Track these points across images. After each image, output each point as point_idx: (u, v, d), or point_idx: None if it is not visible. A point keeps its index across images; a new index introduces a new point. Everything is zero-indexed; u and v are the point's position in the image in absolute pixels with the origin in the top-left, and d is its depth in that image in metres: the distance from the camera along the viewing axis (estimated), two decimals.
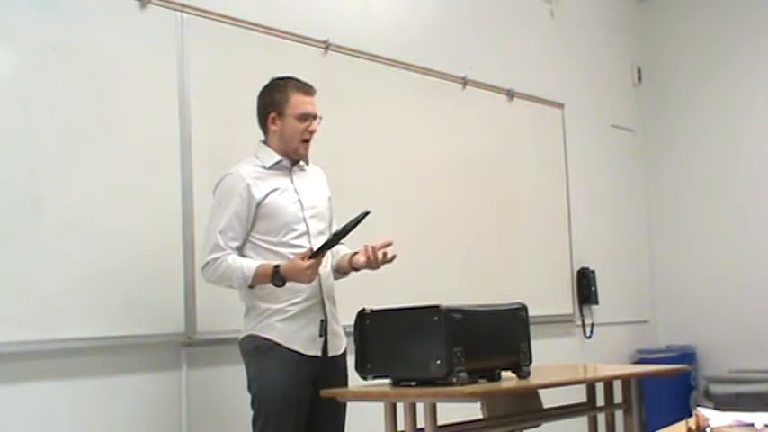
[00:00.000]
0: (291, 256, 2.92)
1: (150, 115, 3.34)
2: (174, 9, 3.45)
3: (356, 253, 3.09)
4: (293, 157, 3.07)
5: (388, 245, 3.02)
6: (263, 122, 3.07)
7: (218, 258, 2.91)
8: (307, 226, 3.02)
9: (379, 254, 3.01)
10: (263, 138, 3.10)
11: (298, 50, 3.90)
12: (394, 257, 3.03)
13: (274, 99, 3.04)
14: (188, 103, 3.44)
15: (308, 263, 2.84)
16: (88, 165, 3.14)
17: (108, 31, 3.26)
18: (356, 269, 3.11)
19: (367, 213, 2.85)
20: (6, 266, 2.89)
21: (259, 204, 2.96)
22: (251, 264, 2.91)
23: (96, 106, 3.18)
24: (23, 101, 3.01)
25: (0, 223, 2.89)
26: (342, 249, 3.15)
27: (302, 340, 2.95)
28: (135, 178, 3.26)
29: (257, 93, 3.09)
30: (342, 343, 3.10)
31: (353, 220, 2.84)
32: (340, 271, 3.17)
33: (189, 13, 3.49)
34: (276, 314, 2.94)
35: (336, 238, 2.88)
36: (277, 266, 2.87)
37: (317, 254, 2.86)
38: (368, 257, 3.02)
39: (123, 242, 3.19)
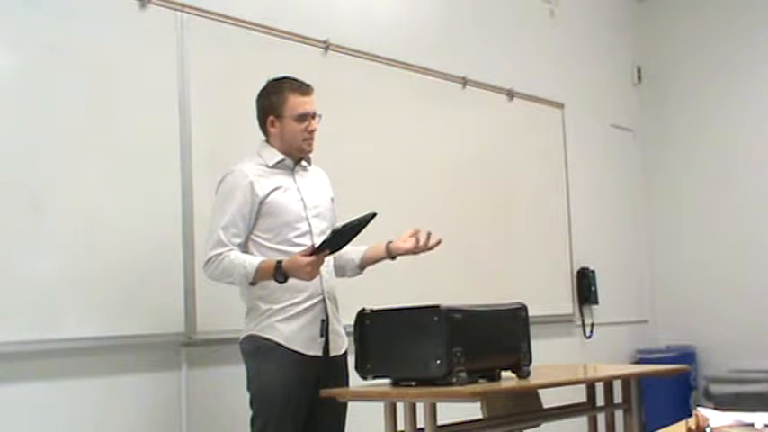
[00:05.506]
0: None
1: (150, 115, 3.34)
2: (174, 9, 3.45)
3: (391, 242, 3.11)
4: (298, 156, 3.07)
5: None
6: (263, 126, 3.07)
7: (220, 254, 2.90)
8: (309, 225, 3.02)
9: (423, 236, 3.07)
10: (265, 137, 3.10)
11: (298, 50, 3.90)
12: (439, 242, 3.10)
13: (271, 102, 3.03)
14: (188, 103, 3.44)
15: (307, 260, 2.82)
16: (88, 165, 3.14)
17: (108, 31, 3.26)
18: (394, 257, 3.14)
19: (373, 216, 2.82)
20: (6, 266, 2.89)
21: (262, 202, 2.95)
22: (253, 260, 2.90)
23: (96, 106, 3.18)
24: (23, 101, 3.01)
25: (0, 223, 2.89)
26: (358, 247, 3.14)
27: (303, 340, 2.95)
28: (135, 178, 3.26)
29: (257, 93, 3.08)
30: (343, 343, 3.09)
31: (358, 220, 2.81)
32: (362, 266, 3.19)
33: (189, 13, 3.49)
34: (277, 314, 2.94)
35: (337, 237, 2.84)
36: (279, 262, 2.86)
37: (318, 251, 2.85)
38: (417, 243, 3.06)
39: (123, 242, 3.19)
